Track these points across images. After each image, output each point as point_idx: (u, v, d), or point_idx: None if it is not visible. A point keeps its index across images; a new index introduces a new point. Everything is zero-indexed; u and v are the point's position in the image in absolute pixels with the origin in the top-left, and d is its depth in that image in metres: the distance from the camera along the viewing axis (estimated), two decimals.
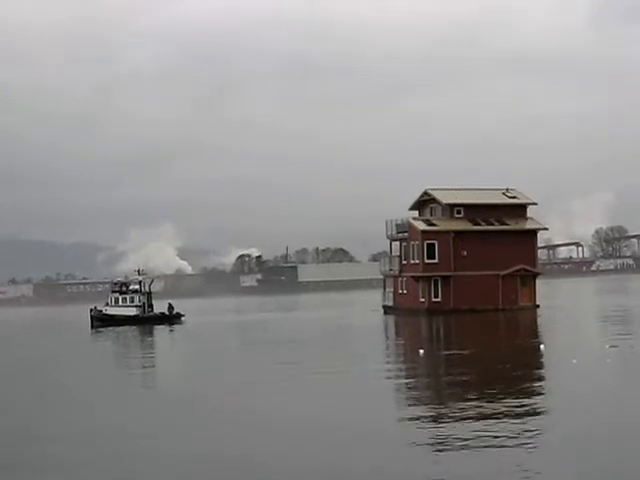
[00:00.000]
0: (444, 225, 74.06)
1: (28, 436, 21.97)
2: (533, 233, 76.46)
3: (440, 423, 21.55)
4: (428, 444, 19.00)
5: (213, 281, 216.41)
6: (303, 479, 17.09)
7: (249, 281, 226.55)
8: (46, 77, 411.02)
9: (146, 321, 77.25)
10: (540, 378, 30.67)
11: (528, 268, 73.89)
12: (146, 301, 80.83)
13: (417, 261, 74.00)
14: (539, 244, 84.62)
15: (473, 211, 74.97)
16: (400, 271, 77.21)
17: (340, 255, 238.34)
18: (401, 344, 51.05)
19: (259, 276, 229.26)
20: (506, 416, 21.69)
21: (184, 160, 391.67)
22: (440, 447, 18.57)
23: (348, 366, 34.77)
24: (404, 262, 76.67)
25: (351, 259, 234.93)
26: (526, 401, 24.22)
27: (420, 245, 73.42)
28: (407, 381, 30.83)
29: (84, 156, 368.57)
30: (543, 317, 63.61)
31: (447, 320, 64.15)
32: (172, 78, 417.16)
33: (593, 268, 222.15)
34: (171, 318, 78.43)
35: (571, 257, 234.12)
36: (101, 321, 77.84)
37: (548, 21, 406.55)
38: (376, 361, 37.49)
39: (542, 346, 38.87)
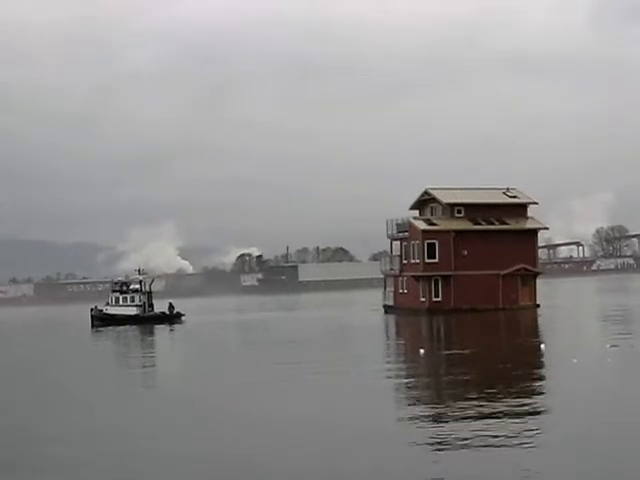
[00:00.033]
0: (444, 225, 74.05)
1: (28, 436, 21.97)
2: (533, 232, 76.45)
3: (440, 423, 21.55)
4: (428, 444, 19.00)
5: (214, 280, 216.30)
6: (303, 479, 17.09)
7: (250, 280, 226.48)
8: (46, 77, 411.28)
9: (146, 321, 77.24)
10: (540, 378, 30.67)
11: (528, 268, 73.86)
12: (146, 300, 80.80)
13: (417, 261, 73.99)
14: (539, 243, 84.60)
15: (473, 211, 74.95)
16: (400, 271, 77.21)
17: (340, 255, 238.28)
18: (401, 344, 51.05)
19: (260, 275, 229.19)
20: (506, 416, 21.69)
21: (184, 160, 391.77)
22: (440, 447, 18.57)
23: (348, 366, 34.76)
24: (404, 262, 76.67)
25: (351, 259, 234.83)
26: (526, 401, 24.22)
27: (420, 245, 73.40)
28: (407, 381, 30.82)
29: (84, 156, 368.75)
30: (543, 317, 63.59)
31: (447, 320, 64.14)
32: (172, 78, 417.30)
33: (593, 268, 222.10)
34: (171, 317, 78.40)
35: (571, 257, 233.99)
36: (101, 320, 77.85)
37: (548, 21, 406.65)
38: (376, 361, 37.47)
39: (542, 346, 38.86)
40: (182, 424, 22.78)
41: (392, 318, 71.90)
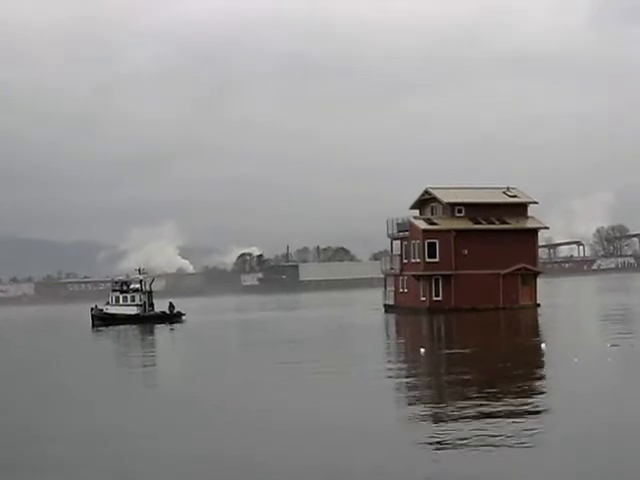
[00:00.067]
0: (445, 224, 74.06)
1: (28, 436, 21.96)
2: (534, 232, 76.45)
3: (440, 422, 21.55)
4: (428, 443, 18.99)
5: (214, 280, 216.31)
6: (303, 479, 17.08)
7: (250, 280, 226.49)
8: (46, 77, 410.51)
9: (147, 320, 77.24)
10: (541, 377, 30.67)
11: (529, 267, 73.87)
12: (147, 300, 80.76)
13: (418, 260, 74.00)
14: (540, 243, 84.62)
15: (474, 210, 74.97)
16: (401, 270, 77.23)
17: (341, 254, 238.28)
18: (402, 343, 51.06)
19: (260, 275, 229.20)
20: (507, 415, 21.68)
21: (184, 160, 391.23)
22: (440, 446, 18.55)
23: (349, 365, 34.77)
24: (405, 261, 76.70)
25: (352, 258, 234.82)
26: (527, 400, 24.22)
27: (421, 244, 73.41)
28: (408, 380, 30.80)
29: (84, 156, 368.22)
30: (544, 316, 63.58)
31: (448, 319, 64.17)
32: (172, 78, 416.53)
33: (594, 267, 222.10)
34: (172, 317, 78.37)
35: (572, 256, 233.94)
36: (102, 320, 77.85)
37: (548, 21, 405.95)
38: (377, 360, 37.47)
39: (543, 345, 38.82)
40: (182, 424, 22.78)
41: (392, 317, 71.93)
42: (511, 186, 78.23)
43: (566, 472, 16.35)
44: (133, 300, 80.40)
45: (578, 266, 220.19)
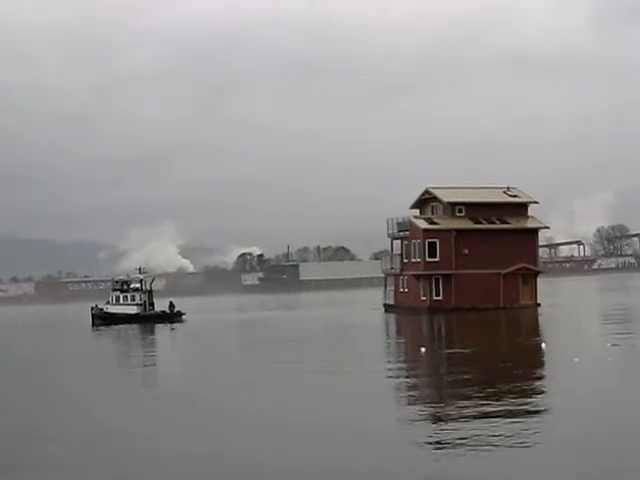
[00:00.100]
0: (445, 224, 74.05)
1: (28, 436, 21.95)
2: (534, 232, 76.45)
3: (441, 422, 21.54)
4: (429, 443, 18.98)
5: (214, 279, 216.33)
6: (303, 479, 17.07)
7: (250, 279, 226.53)
8: (46, 77, 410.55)
9: (147, 319, 77.25)
10: (541, 377, 30.65)
11: (529, 267, 73.86)
12: (147, 299, 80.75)
13: (418, 259, 73.99)
14: (540, 243, 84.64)
15: (474, 210, 74.97)
16: (401, 269, 77.22)
17: (341, 253, 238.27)
18: (402, 343, 51.05)
19: (261, 274, 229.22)
20: (507, 415, 21.66)
21: (184, 160, 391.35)
22: (441, 446, 18.54)
23: (349, 365, 34.76)
24: (405, 260, 76.69)
25: (352, 257, 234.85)
26: (527, 400, 24.21)
27: (421, 243, 73.40)
28: (408, 380, 30.80)
29: (84, 156, 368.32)
30: (544, 316, 63.57)
31: (448, 318, 64.17)
32: (172, 78, 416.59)
33: (594, 267, 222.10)
34: (172, 316, 78.36)
35: (572, 256, 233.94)
36: (102, 319, 77.88)
37: (548, 21, 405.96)
38: (377, 360, 37.46)
39: (543, 345, 38.79)
40: (182, 424, 22.76)
41: (393, 317, 71.94)
42: (511, 186, 78.24)
43: (566, 472, 16.34)
44: (133, 299, 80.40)
45: (578, 266, 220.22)
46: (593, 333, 47.76)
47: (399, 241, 78.44)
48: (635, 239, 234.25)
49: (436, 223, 74.65)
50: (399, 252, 78.41)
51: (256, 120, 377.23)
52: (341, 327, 62.32)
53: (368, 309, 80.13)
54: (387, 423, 21.63)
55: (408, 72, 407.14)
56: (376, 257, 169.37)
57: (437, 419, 22.19)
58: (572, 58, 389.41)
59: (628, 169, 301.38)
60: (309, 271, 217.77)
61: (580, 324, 55.85)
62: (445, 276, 72.78)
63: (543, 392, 26.60)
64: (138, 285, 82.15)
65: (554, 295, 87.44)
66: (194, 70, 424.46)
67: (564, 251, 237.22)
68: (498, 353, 38.39)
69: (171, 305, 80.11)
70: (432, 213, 76.92)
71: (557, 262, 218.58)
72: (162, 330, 68.72)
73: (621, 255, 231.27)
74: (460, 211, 74.96)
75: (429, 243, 73.20)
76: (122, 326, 72.90)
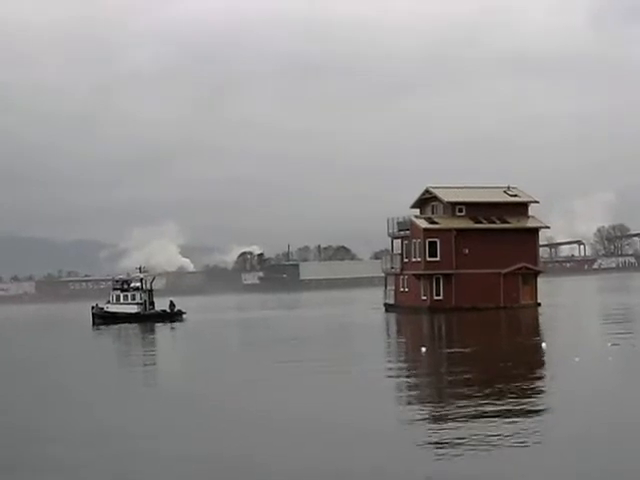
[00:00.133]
0: (446, 223, 74.03)
1: (28, 436, 21.94)
2: (535, 231, 76.43)
3: (441, 422, 21.53)
4: (429, 443, 18.98)
5: (215, 279, 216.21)
6: (303, 479, 17.06)
7: (251, 279, 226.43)
8: (46, 77, 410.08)
9: (147, 319, 77.22)
10: (541, 376, 30.65)
11: (530, 266, 73.84)
12: (147, 299, 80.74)
13: (419, 259, 73.99)
14: (541, 242, 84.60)
15: (475, 209, 74.97)
16: (402, 269, 77.21)
17: (342, 253, 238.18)
18: (403, 342, 51.06)
19: (261, 274, 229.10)
20: (507, 415, 21.66)
21: (184, 160, 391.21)
22: (441, 446, 18.53)
23: (349, 364, 34.77)
24: (406, 260, 76.67)
25: (353, 257, 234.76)
26: (527, 400, 24.21)
27: (422, 243, 73.39)
28: (409, 380, 30.80)
29: (84, 156, 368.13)
30: (545, 315, 63.57)
31: (449, 318, 64.17)
32: (172, 78, 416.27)
33: (595, 266, 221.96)
34: (172, 316, 78.37)
35: (573, 255, 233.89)
36: (102, 318, 77.87)
37: (548, 21, 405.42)
38: (377, 359, 37.47)
39: (544, 344, 38.79)
40: (182, 423, 22.77)
41: (393, 316, 71.94)
42: (512, 185, 78.23)
43: (566, 472, 16.34)
44: (134, 299, 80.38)
45: (579, 265, 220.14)
46: (593, 333, 47.76)
47: (399, 240, 78.41)
48: (635, 239, 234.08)
49: (436, 223, 74.64)
50: (399, 252, 78.38)
51: (256, 120, 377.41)
52: (341, 326, 62.31)
53: (368, 309, 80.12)
54: (387, 423, 21.63)
55: (408, 72, 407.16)
56: (376, 257, 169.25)
57: (437, 419, 22.19)
58: (572, 58, 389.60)
59: (628, 169, 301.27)
60: (309, 270, 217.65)
61: (580, 324, 55.85)
62: (445, 276, 72.78)
63: (543, 392, 26.61)
64: (138, 284, 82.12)
65: (554, 295, 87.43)
66: (194, 70, 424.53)
67: (564, 251, 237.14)
68: (498, 353, 38.39)
69: (171, 304, 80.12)
70: (432, 213, 76.92)
71: (557, 262, 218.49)
72: (162, 329, 68.73)
73: (621, 255, 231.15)
74: (460, 211, 74.96)
75: (429, 243, 73.19)
76: (122, 325, 72.90)
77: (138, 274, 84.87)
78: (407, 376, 31.84)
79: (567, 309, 70.20)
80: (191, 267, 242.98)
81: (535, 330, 53.42)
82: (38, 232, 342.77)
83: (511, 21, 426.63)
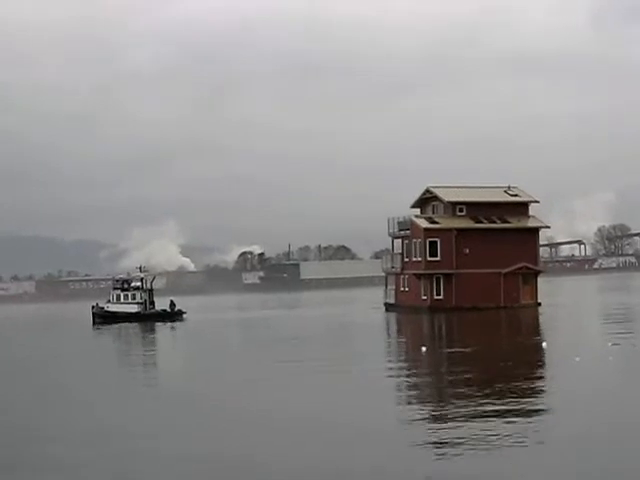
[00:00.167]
0: (446, 223, 74.02)
1: (28, 436, 21.93)
2: (535, 231, 76.42)
3: (441, 422, 21.52)
4: (429, 443, 18.97)
5: (215, 278, 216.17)
6: (303, 478, 17.06)
7: (251, 278, 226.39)
8: (46, 77, 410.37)
9: (148, 318, 77.21)
10: (542, 376, 30.65)
11: (530, 266, 73.82)
12: (148, 298, 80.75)
13: (419, 259, 73.98)
14: (541, 242, 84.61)
15: (475, 209, 74.95)
16: (402, 269, 77.20)
17: (342, 252, 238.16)
18: (403, 342, 51.05)
19: (261, 273, 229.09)
20: (507, 415, 21.65)
21: (185, 159, 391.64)
22: (441, 446, 18.53)
23: (350, 364, 34.75)
24: (406, 260, 76.66)
25: (353, 256, 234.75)
26: (528, 400, 24.20)
27: (422, 243, 73.38)
28: (409, 379, 30.78)
29: (84, 156, 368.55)
30: (545, 315, 63.56)
31: (449, 318, 64.16)
32: (172, 78, 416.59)
33: (595, 266, 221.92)
34: (173, 315, 78.37)
35: (573, 255, 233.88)
36: (103, 318, 77.88)
37: (548, 21, 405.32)
38: (378, 359, 37.48)
39: (544, 344, 38.78)
40: (183, 423, 22.76)
41: (393, 316, 71.92)
42: (512, 185, 78.21)
43: (566, 472, 16.33)
44: (134, 298, 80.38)
45: (579, 265, 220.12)
46: (594, 332, 47.75)
47: (400, 240, 78.40)
48: (636, 238, 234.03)
49: (437, 222, 74.62)
50: (400, 251, 78.36)
51: (256, 120, 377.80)
52: (342, 326, 62.30)
53: (369, 308, 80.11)
54: (387, 422, 21.62)
55: (408, 72, 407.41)
56: (377, 256, 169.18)
57: (437, 418, 22.18)
58: (572, 58, 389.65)
59: (629, 169, 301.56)
60: (310, 270, 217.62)
61: (581, 323, 55.84)
62: (446, 275, 72.77)
63: (544, 391, 26.60)
64: (139, 284, 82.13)
65: (555, 294, 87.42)
66: (194, 70, 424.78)
67: (565, 250, 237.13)
68: (499, 352, 38.38)
69: (172, 304, 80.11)
70: (433, 212, 76.92)
71: (558, 261, 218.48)
72: (162, 329, 68.74)
73: (622, 254, 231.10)
74: (461, 210, 74.95)
75: (430, 242, 73.18)
76: (123, 325, 72.89)
77: (138, 274, 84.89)
78: (407, 376, 31.82)
79: (567, 309, 70.18)
80: (191, 267, 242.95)
81: (535, 330, 53.41)
82: (38, 232, 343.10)
83: (511, 21, 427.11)
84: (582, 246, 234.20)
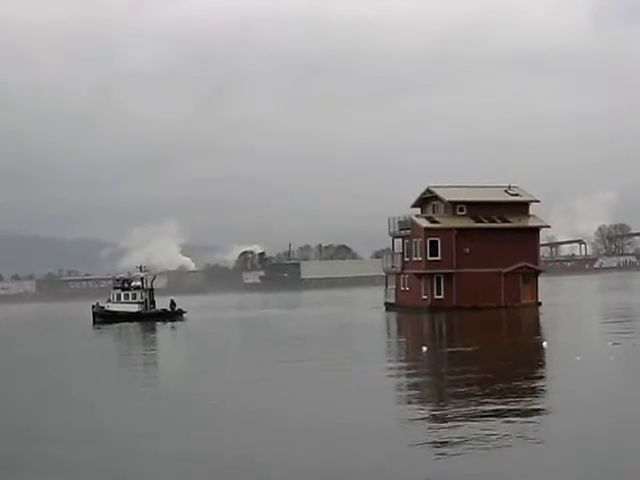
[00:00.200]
0: (447, 222, 74.01)
1: (28, 436, 21.92)
2: (535, 230, 76.41)
3: (441, 422, 21.50)
4: (429, 443, 18.95)
5: (216, 278, 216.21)
6: (303, 478, 17.04)
7: (252, 278, 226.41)
8: (46, 77, 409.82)
9: (148, 318, 77.17)
10: (542, 376, 30.62)
11: (530, 265, 73.82)
12: (148, 298, 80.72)
13: (420, 258, 73.97)
14: (542, 241, 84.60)
15: (475, 208, 74.94)
16: (402, 268, 77.19)
17: (343, 252, 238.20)
18: (403, 341, 51.04)
19: (262, 273, 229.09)
20: (508, 415, 21.64)
21: (185, 159, 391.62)
22: (441, 446, 18.51)
23: (350, 364, 34.73)
24: (406, 259, 76.66)
25: (354, 256, 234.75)
26: (528, 399, 24.19)
27: (423, 242, 73.38)
28: (409, 379, 30.78)
29: (85, 155, 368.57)
30: (545, 314, 63.56)
31: (449, 317, 64.14)
32: (172, 78, 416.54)
33: (596, 265, 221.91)
34: (173, 315, 78.34)
35: (574, 254, 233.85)
36: (103, 317, 77.88)
37: (548, 21, 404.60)
38: (378, 359, 37.47)
39: (545, 343, 38.78)
40: (183, 423, 22.74)
41: (394, 316, 71.89)
42: (512, 185, 78.19)
43: (566, 471, 16.31)
44: (134, 298, 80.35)
45: (580, 265, 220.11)
46: (594, 332, 47.73)
47: (400, 240, 78.40)
48: (637, 238, 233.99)
49: (437, 222, 74.61)
50: (400, 251, 78.36)
51: (257, 119, 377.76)
52: (342, 326, 62.28)
53: (369, 308, 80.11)
54: (388, 422, 21.61)
55: (408, 72, 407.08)
56: (377, 256, 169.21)
57: (437, 418, 22.16)
58: (572, 58, 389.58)
59: (629, 168, 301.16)
60: (310, 269, 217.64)
61: (581, 323, 55.82)
62: (446, 275, 72.76)
63: (544, 391, 26.58)
64: (139, 283, 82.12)
65: (555, 294, 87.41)
66: (194, 70, 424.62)
67: (565, 250, 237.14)
68: (499, 352, 38.38)
69: (172, 303, 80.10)
70: (433, 212, 76.89)
71: (558, 261, 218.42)
72: (163, 328, 68.75)
73: (622, 254, 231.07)
74: (461, 210, 74.94)
75: (430, 242, 73.18)
76: (123, 324, 72.89)
77: (139, 273, 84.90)
78: (408, 375, 31.81)
79: (568, 308, 70.16)
80: (192, 266, 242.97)
81: (536, 329, 53.41)
82: (39, 231, 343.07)
83: (511, 21, 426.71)
84: (582, 246, 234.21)
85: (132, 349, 53.62)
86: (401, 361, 37.85)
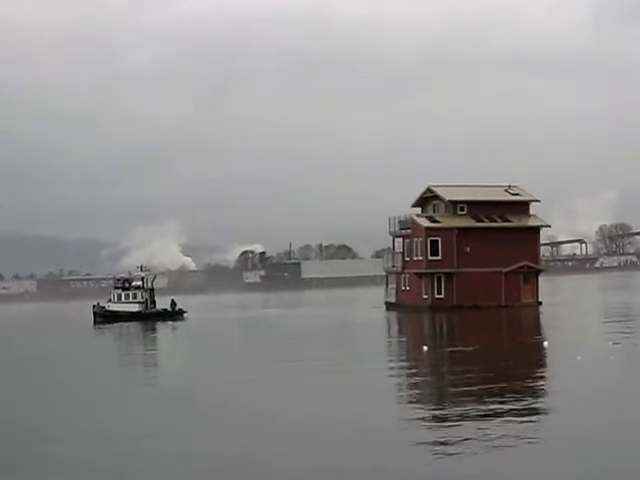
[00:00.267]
0: (447, 222, 74.01)
1: (28, 436, 21.90)
2: (536, 230, 76.42)
3: (442, 422, 21.48)
4: (429, 443, 18.92)
5: (216, 277, 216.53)
6: (303, 478, 17.03)
7: (252, 277, 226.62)
8: (46, 77, 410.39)
9: (148, 317, 77.22)
10: (543, 376, 30.59)
11: (531, 265, 73.82)
12: (149, 297, 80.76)
13: (420, 258, 73.97)
14: (542, 241, 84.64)
15: (476, 208, 74.93)
16: (403, 268, 77.19)
17: (343, 252, 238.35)
18: (404, 341, 51.02)
19: (262, 272, 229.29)
20: (508, 415, 21.61)
21: (185, 158, 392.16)
22: (441, 446, 18.48)
23: (351, 363, 34.71)
24: (407, 259, 76.65)
25: (354, 256, 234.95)
26: (529, 399, 24.14)
27: (423, 242, 73.38)
28: (410, 379, 30.75)
29: (85, 155, 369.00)
30: (546, 314, 63.54)
31: (450, 317, 64.12)
32: (172, 78, 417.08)
33: (596, 265, 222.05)
34: (173, 314, 78.37)
35: (574, 254, 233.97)
36: (104, 317, 77.91)
37: (548, 20, 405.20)
38: (379, 358, 37.45)
39: (545, 343, 38.79)
40: (183, 423, 22.72)
41: (394, 315, 71.87)
42: (513, 184, 78.19)
43: (567, 471, 16.29)
44: (135, 297, 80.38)
45: (580, 264, 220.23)
46: (595, 332, 47.70)
47: (401, 239, 78.39)
48: (638, 237, 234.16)
49: (438, 221, 74.61)
50: (401, 250, 78.36)
51: (257, 118, 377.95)
52: (343, 325, 62.27)
53: (370, 307, 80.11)
54: (388, 422, 21.59)
55: (408, 71, 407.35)
56: (378, 255, 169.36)
57: (438, 418, 22.14)
58: (572, 58, 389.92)
59: (630, 168, 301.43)
60: (311, 269, 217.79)
61: (582, 323, 55.78)
62: (447, 274, 72.76)
63: (545, 391, 26.55)
64: (140, 283, 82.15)
65: (556, 293, 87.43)
66: (194, 69, 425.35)
67: (566, 249, 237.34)
68: (500, 352, 38.36)
69: (173, 303, 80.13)
70: (434, 211, 76.88)
71: (559, 260, 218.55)
72: (163, 328, 68.73)
73: (623, 253, 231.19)
74: (462, 209, 74.94)
75: (431, 241, 73.19)
76: (124, 324, 72.91)
77: (139, 273, 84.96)
78: (408, 375, 31.80)
79: (568, 308, 70.13)
80: (192, 266, 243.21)
81: (536, 329, 53.40)
82: (39, 231, 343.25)
83: (511, 20, 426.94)
84: (583, 245, 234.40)
85: (132, 349, 53.62)
86: (402, 361, 37.83)
